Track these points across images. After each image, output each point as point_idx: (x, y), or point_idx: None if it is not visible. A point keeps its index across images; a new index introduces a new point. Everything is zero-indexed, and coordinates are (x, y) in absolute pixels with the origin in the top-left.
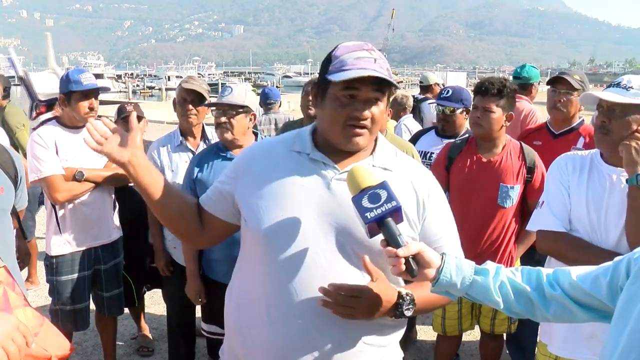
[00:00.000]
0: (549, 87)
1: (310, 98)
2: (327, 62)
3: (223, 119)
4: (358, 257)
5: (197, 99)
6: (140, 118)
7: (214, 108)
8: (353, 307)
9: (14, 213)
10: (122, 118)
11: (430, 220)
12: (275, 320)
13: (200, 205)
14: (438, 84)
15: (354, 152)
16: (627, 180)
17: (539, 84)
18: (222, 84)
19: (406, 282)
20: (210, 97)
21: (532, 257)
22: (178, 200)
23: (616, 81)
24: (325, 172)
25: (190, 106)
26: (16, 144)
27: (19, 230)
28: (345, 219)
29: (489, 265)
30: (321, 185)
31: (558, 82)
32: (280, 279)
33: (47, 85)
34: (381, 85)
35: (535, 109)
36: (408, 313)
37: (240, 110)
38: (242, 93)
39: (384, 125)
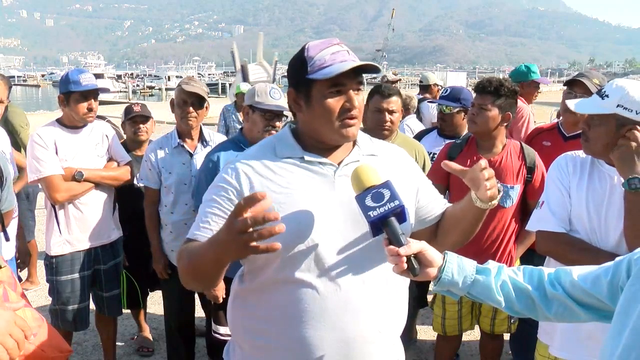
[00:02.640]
0: (565, 88)
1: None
2: (302, 64)
3: (278, 123)
4: (373, 250)
5: (197, 101)
6: (148, 118)
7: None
8: (492, 176)
9: None
10: (130, 118)
11: (421, 190)
12: (293, 321)
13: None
14: (437, 85)
15: (340, 145)
16: (623, 184)
17: (536, 83)
18: (222, 84)
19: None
20: (209, 96)
21: (532, 261)
22: None
23: (602, 87)
24: (324, 171)
25: (191, 109)
26: (19, 144)
27: (20, 230)
28: (354, 212)
29: (491, 264)
30: (325, 184)
31: (575, 85)
32: (298, 283)
33: (255, 75)
34: (361, 75)
35: (525, 106)
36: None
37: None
38: (283, 96)
39: (397, 124)
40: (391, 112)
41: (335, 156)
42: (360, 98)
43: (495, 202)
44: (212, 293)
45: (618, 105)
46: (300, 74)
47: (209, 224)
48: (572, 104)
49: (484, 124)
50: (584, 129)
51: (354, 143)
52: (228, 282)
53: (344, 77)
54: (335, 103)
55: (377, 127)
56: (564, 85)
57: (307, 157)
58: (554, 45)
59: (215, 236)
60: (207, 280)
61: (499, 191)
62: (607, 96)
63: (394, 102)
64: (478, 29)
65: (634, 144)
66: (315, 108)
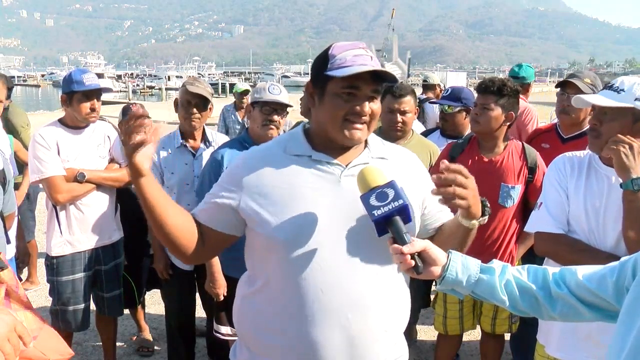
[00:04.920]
0: (558, 89)
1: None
2: (324, 61)
3: (276, 117)
4: (378, 249)
5: (201, 102)
6: (144, 117)
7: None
8: (467, 187)
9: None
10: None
11: (429, 197)
12: (300, 320)
13: (196, 220)
14: (440, 85)
15: (351, 147)
16: (621, 185)
17: (534, 82)
18: (222, 84)
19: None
20: (213, 97)
21: (533, 261)
22: (183, 216)
23: (610, 83)
24: (331, 170)
25: (195, 110)
26: (20, 144)
27: (20, 230)
28: (359, 213)
29: (495, 263)
30: (331, 183)
31: (567, 86)
32: (304, 281)
33: (393, 73)
34: (378, 82)
35: (531, 107)
36: (487, 213)
37: (287, 109)
38: (286, 93)
39: (410, 125)
40: (403, 113)
41: (345, 157)
42: (375, 106)
43: (476, 222)
44: (214, 290)
45: (636, 99)
46: (320, 69)
47: (206, 207)
48: (588, 99)
49: (486, 123)
50: (594, 125)
51: (365, 145)
52: (230, 281)
53: (359, 81)
54: (344, 103)
55: (390, 128)
56: (556, 86)
57: (315, 156)
58: (554, 45)
59: None
60: (162, 230)
61: (484, 206)
62: (622, 90)
63: (407, 102)
64: (478, 29)
65: (635, 145)
66: (325, 104)
